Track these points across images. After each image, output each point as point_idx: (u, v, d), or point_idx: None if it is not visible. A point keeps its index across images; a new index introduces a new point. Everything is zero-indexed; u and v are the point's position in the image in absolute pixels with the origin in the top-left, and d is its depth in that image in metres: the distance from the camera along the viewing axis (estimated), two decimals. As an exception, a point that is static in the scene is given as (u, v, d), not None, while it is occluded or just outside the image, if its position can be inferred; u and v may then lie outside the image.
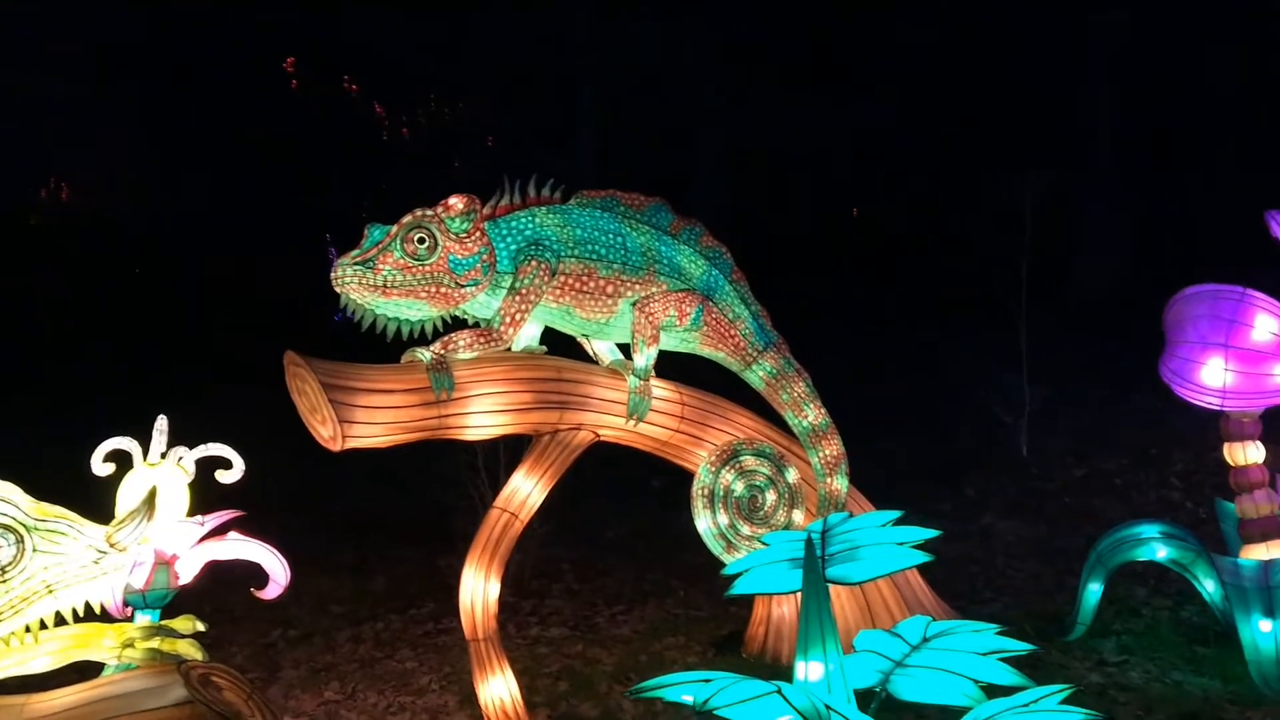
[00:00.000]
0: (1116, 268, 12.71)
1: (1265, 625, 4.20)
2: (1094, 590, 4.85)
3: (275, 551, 4.34)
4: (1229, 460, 4.44)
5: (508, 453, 5.66)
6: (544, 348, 4.41)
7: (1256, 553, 4.40)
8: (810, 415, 4.72)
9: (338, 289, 3.80)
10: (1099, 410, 9.13)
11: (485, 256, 4.00)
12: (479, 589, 4.10)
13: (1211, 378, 4.16)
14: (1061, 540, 6.26)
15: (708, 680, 2.61)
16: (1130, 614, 5.13)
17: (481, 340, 4.04)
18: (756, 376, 4.74)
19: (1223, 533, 4.82)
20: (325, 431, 3.85)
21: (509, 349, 4.18)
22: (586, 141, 12.69)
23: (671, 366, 4.62)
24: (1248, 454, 4.44)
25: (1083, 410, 9.29)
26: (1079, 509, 7.09)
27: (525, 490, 4.24)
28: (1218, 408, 4.25)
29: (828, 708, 2.53)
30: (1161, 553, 4.71)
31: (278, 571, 4.33)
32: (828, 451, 4.71)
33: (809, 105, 13.87)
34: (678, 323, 4.41)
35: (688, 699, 2.56)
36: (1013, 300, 9.78)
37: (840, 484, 4.70)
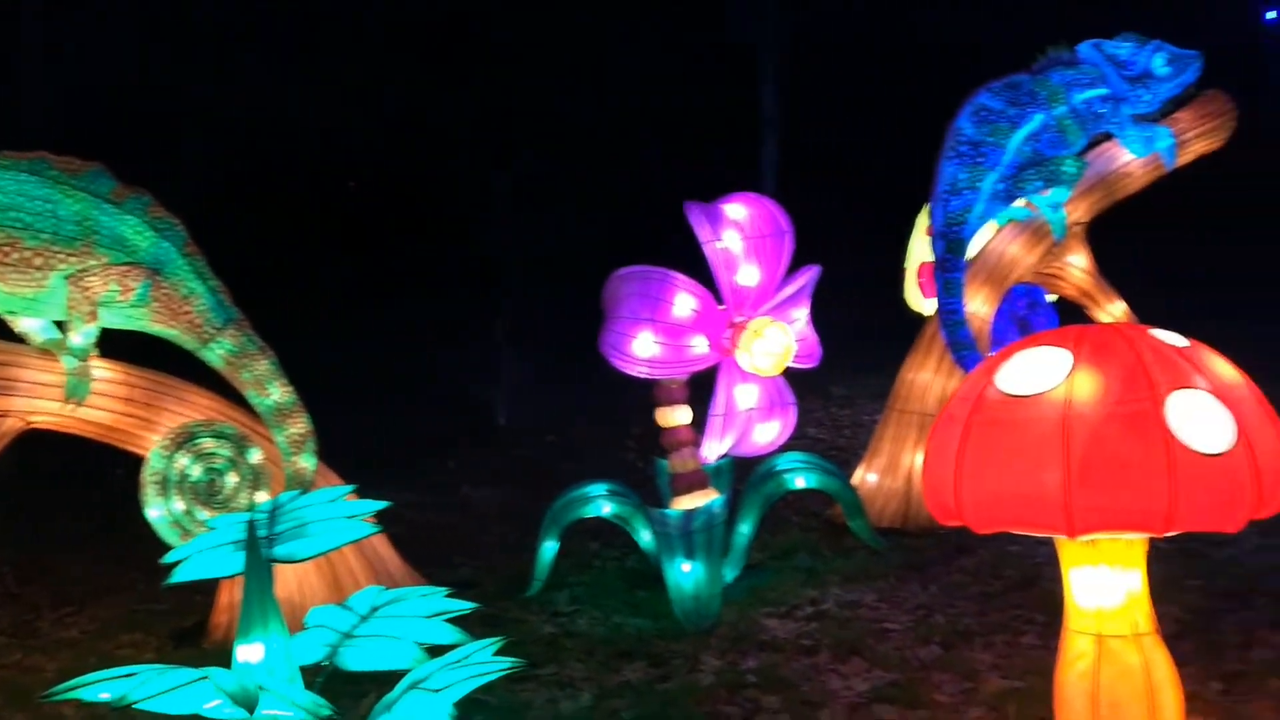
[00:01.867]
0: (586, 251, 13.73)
1: (685, 567, 4.79)
2: (549, 548, 5.24)
3: None
4: (660, 423, 4.98)
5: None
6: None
7: (684, 503, 4.98)
8: (274, 394, 4.61)
9: None
10: (570, 382, 9.85)
11: None
12: (-128, 604, 3.57)
13: (641, 349, 4.64)
14: (530, 504, 6.64)
15: (131, 674, 2.48)
16: (583, 567, 5.61)
17: None
18: (215, 355, 4.53)
19: (659, 488, 5.41)
20: None
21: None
22: (34, 97, 11.23)
23: (122, 346, 4.31)
24: (676, 416, 5.00)
25: (556, 383, 10.00)
26: (548, 473, 7.59)
27: (-67, 487, 3.75)
28: (647, 376, 4.75)
29: (260, 688, 2.51)
30: (607, 509, 5.20)
31: None
32: (293, 430, 4.63)
33: (296, 79, 13.47)
34: (120, 298, 4.11)
35: (105, 696, 2.41)
36: (496, 282, 10.28)
37: (307, 462, 4.65)
